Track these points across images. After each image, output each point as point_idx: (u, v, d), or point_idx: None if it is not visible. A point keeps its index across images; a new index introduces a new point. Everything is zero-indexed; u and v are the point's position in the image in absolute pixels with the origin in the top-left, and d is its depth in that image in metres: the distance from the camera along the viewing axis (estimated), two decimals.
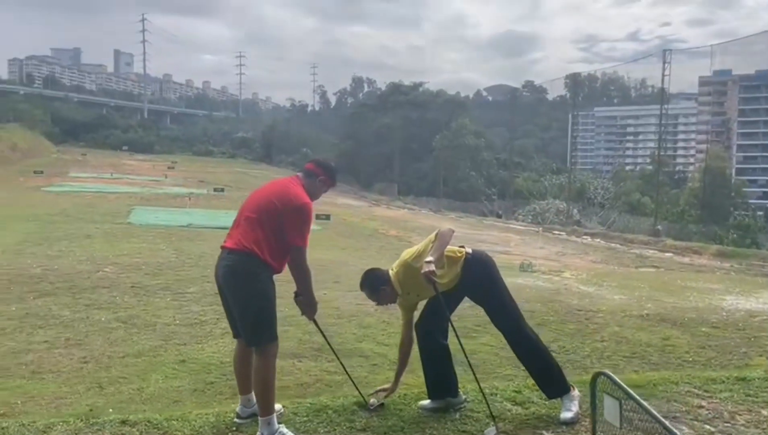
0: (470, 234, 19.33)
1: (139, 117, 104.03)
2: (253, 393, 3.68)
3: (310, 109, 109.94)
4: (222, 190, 27.61)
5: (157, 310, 7.24)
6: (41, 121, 63.50)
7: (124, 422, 3.55)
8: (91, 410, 4.20)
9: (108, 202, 21.70)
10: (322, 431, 3.60)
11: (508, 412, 4.05)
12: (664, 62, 30.63)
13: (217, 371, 5.25)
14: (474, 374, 3.94)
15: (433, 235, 3.91)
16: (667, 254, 17.83)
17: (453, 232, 3.94)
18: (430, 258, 3.76)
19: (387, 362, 5.67)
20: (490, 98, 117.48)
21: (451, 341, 4.12)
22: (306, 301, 3.75)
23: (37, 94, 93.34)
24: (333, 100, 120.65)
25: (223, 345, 5.97)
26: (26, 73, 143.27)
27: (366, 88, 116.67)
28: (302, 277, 3.63)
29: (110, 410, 4.23)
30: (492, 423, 3.76)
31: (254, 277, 3.48)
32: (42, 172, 32.09)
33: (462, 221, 24.89)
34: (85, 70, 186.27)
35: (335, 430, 3.62)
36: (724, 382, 4.69)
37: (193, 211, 19.57)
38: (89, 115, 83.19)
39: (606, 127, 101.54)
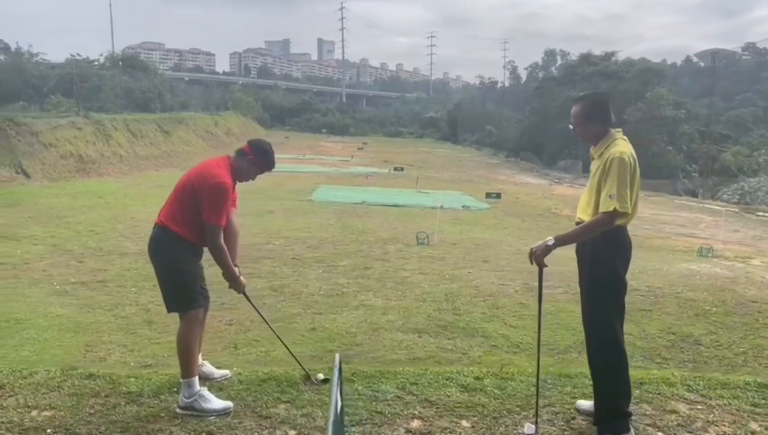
0: (654, 214, 17.80)
1: (338, 101, 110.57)
2: (200, 355, 4.01)
3: (499, 85, 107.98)
4: (402, 169, 28.49)
5: (307, 280, 7.80)
6: (253, 107, 70.36)
7: (90, 375, 3.94)
8: (218, 367, 4.75)
9: (298, 180, 23.58)
10: (249, 399, 3.67)
11: (447, 398, 3.74)
12: None
13: (339, 340, 5.54)
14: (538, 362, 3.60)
15: (599, 216, 3.23)
16: None
17: (614, 220, 3.22)
18: (552, 240, 3.28)
19: (507, 344, 5.55)
20: (702, 64, 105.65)
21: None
22: (226, 277, 3.84)
23: (251, 84, 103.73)
24: (524, 75, 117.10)
25: (354, 317, 6.29)
26: (244, 64, 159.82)
27: (559, 61, 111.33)
28: (215, 254, 3.70)
29: (235, 368, 4.73)
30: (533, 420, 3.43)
31: (169, 249, 3.68)
32: None
33: (649, 200, 22.91)
34: (293, 60, 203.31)
35: (261, 399, 3.67)
36: (734, 387, 3.97)
37: (369, 189, 20.53)
38: (294, 101, 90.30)
39: None
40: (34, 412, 3.43)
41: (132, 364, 4.73)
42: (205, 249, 3.79)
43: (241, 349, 5.29)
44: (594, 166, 3.46)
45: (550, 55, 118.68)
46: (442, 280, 7.95)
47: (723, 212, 17.28)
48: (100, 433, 3.22)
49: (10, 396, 3.62)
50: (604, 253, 3.32)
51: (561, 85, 49.05)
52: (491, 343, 5.61)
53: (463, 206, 17.34)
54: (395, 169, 28.85)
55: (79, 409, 3.46)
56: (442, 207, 13.10)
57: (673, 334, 6.00)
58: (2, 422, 3.30)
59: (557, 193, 25.08)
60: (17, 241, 9.89)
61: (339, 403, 2.24)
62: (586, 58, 51.04)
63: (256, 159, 3.81)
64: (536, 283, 3.62)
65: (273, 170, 4.04)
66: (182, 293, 3.67)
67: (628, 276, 3.43)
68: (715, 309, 6.89)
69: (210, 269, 3.94)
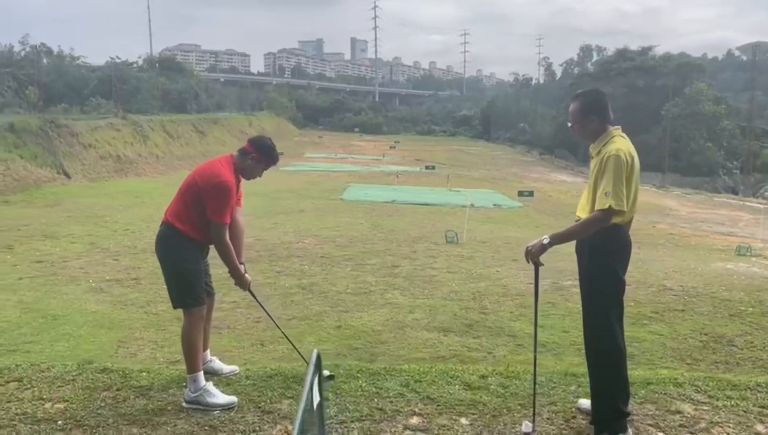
0: (691, 212, 17.40)
1: (371, 100, 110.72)
2: (208, 351, 4.07)
3: (534, 82, 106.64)
4: (433, 168, 28.43)
5: (336, 278, 7.86)
6: (287, 107, 70.94)
7: (104, 370, 4.04)
8: (245, 364, 4.83)
9: (330, 180, 23.74)
10: (254, 394, 3.69)
11: (449, 396, 3.70)
12: None
13: (364, 338, 5.58)
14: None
15: (594, 214, 3.17)
16: None
17: (610, 217, 3.15)
18: (548, 238, 3.25)
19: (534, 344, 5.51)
20: (743, 58, 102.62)
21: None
22: (232, 275, 3.87)
23: (285, 84, 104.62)
24: (558, 71, 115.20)
25: (379, 315, 6.31)
26: (278, 65, 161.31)
27: (595, 57, 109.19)
28: (221, 251, 3.74)
29: (260, 364, 4.81)
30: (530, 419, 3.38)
31: (175, 246, 3.74)
32: (282, 154, 35.85)
33: (688, 198, 22.41)
34: (326, 59, 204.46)
35: (266, 394, 3.69)
36: (743, 388, 3.82)
37: (400, 188, 20.54)
38: (327, 101, 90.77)
39: None
40: (47, 405, 3.56)
41: (161, 360, 4.84)
42: (212, 246, 3.87)
43: (267, 346, 5.37)
44: (592, 164, 3.41)
45: (585, 50, 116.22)
46: (470, 278, 7.93)
47: (764, 210, 16.79)
48: (108, 425, 3.33)
49: (26, 389, 3.77)
50: (601, 252, 3.27)
51: (596, 81, 48.22)
52: (517, 342, 5.57)
53: (495, 205, 17.23)
54: (426, 167, 28.82)
55: (91, 402, 3.59)
56: (472, 205, 13.03)
57: (706, 334, 5.88)
58: (17, 414, 3.44)
59: None
60: (56, 239, 10.21)
61: (316, 400, 2.24)
62: (623, 54, 50.07)
63: (260, 156, 3.88)
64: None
65: (277, 165, 4.11)
66: (186, 291, 3.76)
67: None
68: (751, 309, 6.72)
69: (223, 269, 3.99)
